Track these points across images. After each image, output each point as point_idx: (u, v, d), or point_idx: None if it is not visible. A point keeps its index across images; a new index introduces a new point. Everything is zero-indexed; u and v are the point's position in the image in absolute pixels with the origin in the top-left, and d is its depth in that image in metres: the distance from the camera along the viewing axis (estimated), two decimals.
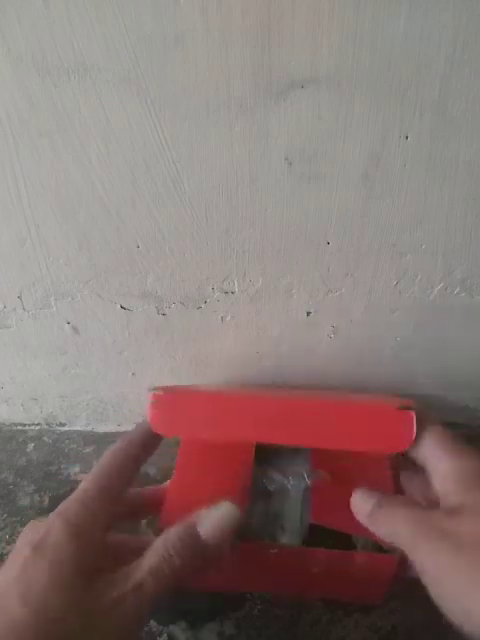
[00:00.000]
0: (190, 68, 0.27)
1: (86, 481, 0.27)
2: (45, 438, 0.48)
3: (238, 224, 0.33)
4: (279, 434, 0.32)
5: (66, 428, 0.49)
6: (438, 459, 0.28)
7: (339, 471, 0.31)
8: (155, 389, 0.32)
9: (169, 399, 0.32)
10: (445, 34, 0.25)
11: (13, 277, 0.37)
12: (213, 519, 0.25)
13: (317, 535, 0.31)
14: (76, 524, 0.24)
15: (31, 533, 0.24)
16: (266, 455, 0.35)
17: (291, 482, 0.33)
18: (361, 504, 0.27)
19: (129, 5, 0.25)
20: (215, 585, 0.33)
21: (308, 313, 0.38)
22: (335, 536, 0.30)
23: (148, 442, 0.31)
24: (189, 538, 0.24)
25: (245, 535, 0.30)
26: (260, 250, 0.34)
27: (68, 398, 0.46)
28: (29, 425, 0.49)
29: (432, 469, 0.28)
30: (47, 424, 0.49)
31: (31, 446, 0.48)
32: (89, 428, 0.48)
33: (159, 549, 0.24)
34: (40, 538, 0.24)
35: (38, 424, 0.49)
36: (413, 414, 0.30)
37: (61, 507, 0.26)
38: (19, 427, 0.49)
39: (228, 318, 0.39)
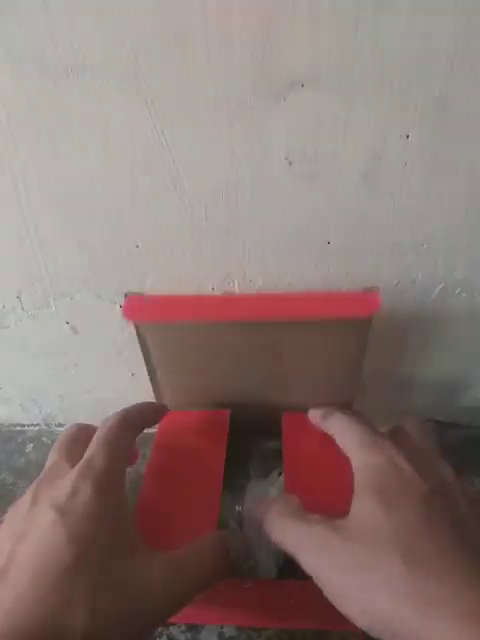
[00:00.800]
0: (190, 68, 0.27)
1: (96, 444, 0.29)
2: (44, 439, 0.48)
3: (238, 224, 0.33)
4: (251, 311, 0.33)
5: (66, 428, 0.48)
6: (350, 454, 0.28)
7: (308, 497, 0.31)
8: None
9: (142, 298, 0.35)
10: (446, 33, 0.25)
11: (12, 277, 0.37)
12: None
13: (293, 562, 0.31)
14: (102, 482, 0.26)
15: (50, 490, 0.26)
16: (236, 482, 0.36)
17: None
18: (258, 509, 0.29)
19: (129, 4, 0.25)
20: (190, 618, 0.32)
21: None
22: None
23: (146, 413, 0.34)
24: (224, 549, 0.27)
25: None
26: (260, 250, 0.34)
27: (67, 398, 0.46)
28: (28, 426, 0.49)
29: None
30: (46, 425, 0.49)
31: (30, 447, 0.47)
32: None
33: (216, 548, 0.27)
34: (67, 495, 0.25)
35: (37, 425, 0.49)
36: (378, 293, 0.33)
37: (78, 472, 0.27)
38: (18, 428, 0.49)
39: None
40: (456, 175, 0.30)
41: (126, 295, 0.35)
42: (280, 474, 0.37)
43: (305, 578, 0.31)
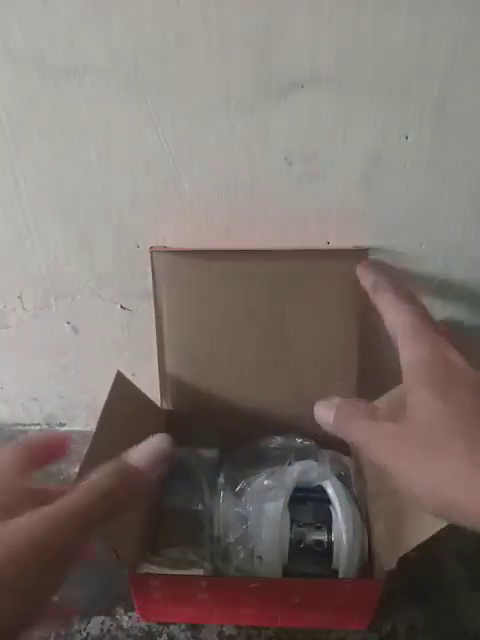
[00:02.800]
0: (190, 68, 0.27)
1: None
2: None
3: (238, 224, 0.33)
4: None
5: (66, 428, 0.48)
6: (399, 344, 0.27)
7: None
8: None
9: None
10: (445, 34, 0.25)
11: (13, 277, 0.37)
12: (143, 449, 0.26)
13: (298, 558, 0.31)
14: None
15: None
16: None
17: (267, 504, 0.33)
18: (324, 413, 0.28)
19: (129, 5, 0.25)
20: (193, 618, 0.33)
21: None
22: (316, 556, 0.31)
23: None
24: (119, 464, 0.25)
25: (220, 570, 0.31)
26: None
27: (68, 398, 0.46)
28: (29, 425, 0.49)
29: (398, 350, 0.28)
30: (47, 424, 0.49)
31: None
32: (89, 428, 0.48)
33: (91, 476, 0.24)
34: None
35: (38, 424, 0.49)
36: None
37: None
38: (19, 427, 0.49)
39: None
40: (455, 175, 0.30)
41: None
42: (291, 463, 0.35)
43: (308, 577, 0.31)
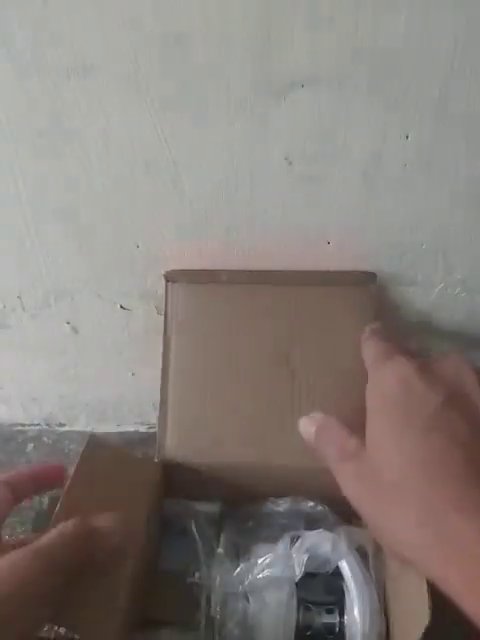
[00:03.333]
0: (190, 67, 0.27)
1: None
2: (45, 438, 0.48)
3: (238, 224, 0.33)
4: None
5: (66, 428, 0.48)
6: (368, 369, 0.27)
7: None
8: None
9: None
10: (445, 34, 0.25)
11: (13, 277, 0.37)
12: (104, 517, 0.25)
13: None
14: None
15: None
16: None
17: (270, 595, 0.28)
18: (306, 428, 0.27)
19: (129, 4, 0.25)
20: None
21: None
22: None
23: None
24: (82, 524, 0.24)
25: None
26: (260, 250, 0.34)
27: (67, 398, 0.46)
28: (29, 425, 0.49)
29: None
30: (47, 424, 0.49)
31: (31, 446, 0.48)
32: (89, 428, 0.48)
33: (51, 532, 0.24)
34: None
35: (38, 424, 0.49)
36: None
37: None
38: (19, 427, 0.49)
39: None
40: (455, 175, 0.30)
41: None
42: (298, 539, 0.30)
43: None
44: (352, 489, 0.23)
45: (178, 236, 0.34)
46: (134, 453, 0.33)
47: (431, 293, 0.36)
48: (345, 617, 0.28)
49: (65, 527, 0.24)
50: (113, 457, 0.31)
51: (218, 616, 0.29)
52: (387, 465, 0.22)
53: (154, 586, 0.32)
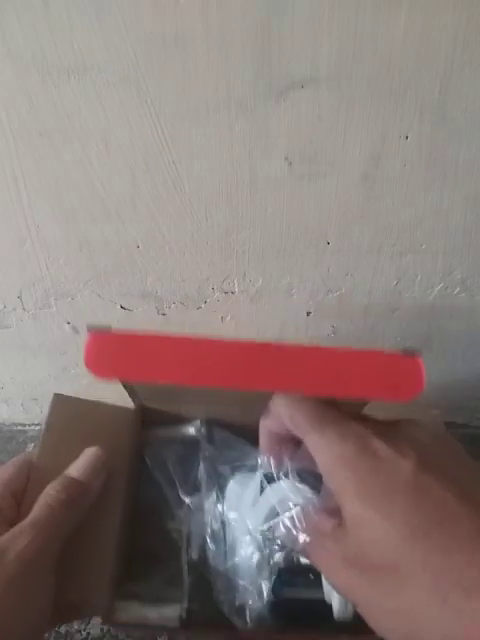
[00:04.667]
0: (190, 68, 0.27)
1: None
2: None
3: (238, 224, 0.33)
4: (254, 378, 0.21)
5: None
6: (309, 444, 0.22)
7: None
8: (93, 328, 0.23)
9: (111, 338, 0.23)
10: (445, 34, 0.25)
11: (13, 277, 0.37)
12: (81, 462, 0.27)
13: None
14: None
15: None
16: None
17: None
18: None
19: (129, 5, 0.25)
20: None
21: (308, 313, 0.38)
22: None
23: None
24: (64, 481, 0.25)
25: None
26: (260, 250, 0.34)
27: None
28: (29, 425, 0.49)
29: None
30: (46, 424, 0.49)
31: (31, 446, 0.48)
32: None
33: (40, 501, 0.24)
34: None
35: (38, 424, 0.49)
36: (420, 360, 0.23)
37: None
38: (19, 427, 0.49)
39: (228, 318, 0.39)
40: (455, 176, 0.30)
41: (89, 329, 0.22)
42: (262, 488, 0.27)
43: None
44: (342, 578, 0.20)
45: (178, 236, 0.34)
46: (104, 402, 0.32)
47: (431, 293, 0.36)
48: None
49: (49, 497, 0.24)
50: (84, 409, 0.31)
51: (196, 556, 0.29)
52: (377, 542, 0.19)
53: (136, 528, 0.31)
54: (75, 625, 0.35)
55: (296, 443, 0.24)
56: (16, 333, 0.40)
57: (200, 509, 0.29)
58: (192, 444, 0.33)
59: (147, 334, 0.22)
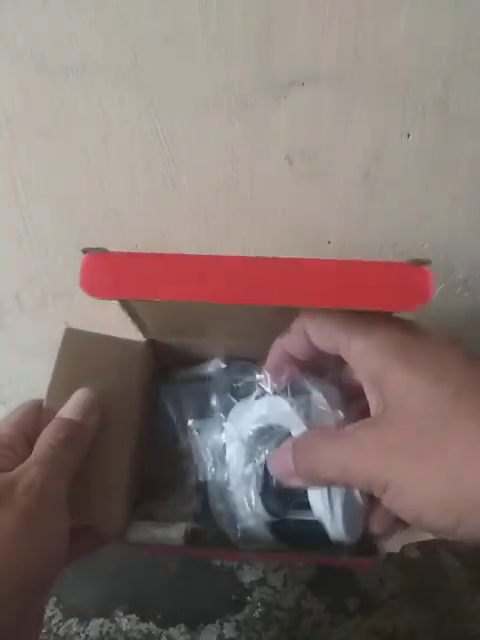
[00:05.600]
0: (189, 66, 0.27)
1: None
2: None
3: (238, 223, 0.33)
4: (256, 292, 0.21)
5: None
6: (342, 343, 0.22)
7: None
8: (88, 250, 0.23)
9: (107, 258, 0.22)
10: (447, 33, 0.25)
11: (11, 277, 0.36)
12: (71, 403, 0.28)
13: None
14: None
15: None
16: None
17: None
18: (279, 460, 0.24)
19: (128, 3, 0.25)
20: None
21: None
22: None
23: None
24: (59, 422, 0.26)
25: None
26: (260, 250, 0.34)
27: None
28: None
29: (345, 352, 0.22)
30: None
31: None
32: None
33: (39, 443, 0.25)
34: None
35: None
36: (428, 269, 0.21)
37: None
38: None
39: None
40: (457, 175, 0.30)
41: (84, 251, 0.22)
42: (257, 398, 0.27)
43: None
44: (378, 460, 0.19)
45: (178, 236, 0.33)
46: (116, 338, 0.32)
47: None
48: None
49: (49, 438, 0.25)
50: (96, 343, 0.31)
51: (202, 479, 0.29)
52: (425, 404, 0.18)
53: (149, 457, 0.32)
54: (74, 628, 0.34)
55: (303, 366, 0.25)
56: (14, 333, 0.40)
57: (209, 435, 0.29)
58: (208, 382, 0.32)
59: (145, 254, 0.21)
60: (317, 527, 0.25)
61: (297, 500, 0.26)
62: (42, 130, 0.29)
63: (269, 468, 0.25)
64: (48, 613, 0.35)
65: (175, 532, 0.28)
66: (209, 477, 0.29)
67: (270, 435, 0.26)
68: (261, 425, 0.26)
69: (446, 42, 0.26)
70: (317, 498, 0.24)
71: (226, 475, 0.28)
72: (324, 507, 0.24)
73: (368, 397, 0.22)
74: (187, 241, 0.34)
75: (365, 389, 0.22)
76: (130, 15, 0.25)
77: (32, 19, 0.26)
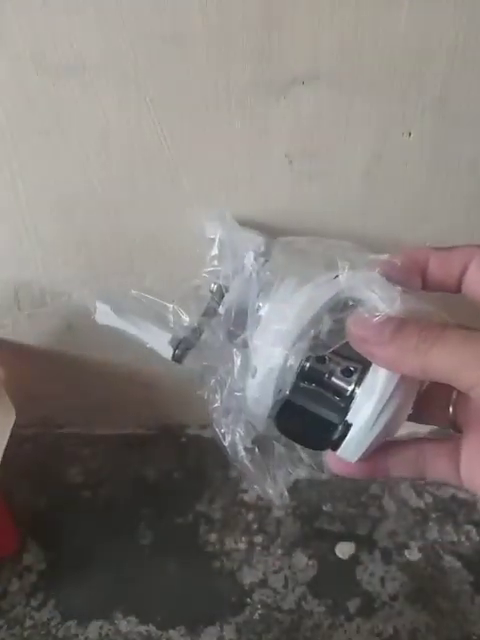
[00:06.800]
0: (189, 66, 0.27)
1: None
2: (43, 439, 0.48)
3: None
4: None
5: (64, 430, 0.48)
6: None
7: None
8: None
9: None
10: (446, 32, 0.25)
11: (10, 276, 0.36)
12: None
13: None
14: None
15: None
16: None
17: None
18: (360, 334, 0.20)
19: (128, 3, 0.25)
20: None
21: None
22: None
23: None
24: None
25: None
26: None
27: (65, 398, 0.46)
28: (26, 426, 0.49)
29: None
30: (45, 425, 0.49)
31: (29, 447, 0.47)
32: (86, 430, 0.48)
33: None
34: None
35: (36, 424, 0.49)
36: None
37: None
38: (15, 428, 0.49)
39: None
40: (457, 174, 0.30)
41: None
42: (336, 276, 0.22)
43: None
44: (460, 355, 0.17)
45: (177, 236, 0.33)
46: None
47: (431, 293, 0.36)
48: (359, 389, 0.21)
49: None
50: None
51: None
52: None
53: None
54: (73, 630, 0.34)
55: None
56: (12, 333, 0.40)
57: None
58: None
59: None
60: (325, 427, 0.21)
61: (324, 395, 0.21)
62: (42, 130, 0.29)
63: (351, 325, 0.19)
64: (47, 615, 0.35)
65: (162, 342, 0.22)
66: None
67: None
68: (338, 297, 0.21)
69: (446, 40, 0.26)
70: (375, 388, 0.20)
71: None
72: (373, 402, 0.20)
73: None
74: (187, 241, 0.34)
75: None
76: (130, 15, 0.26)
77: (32, 19, 0.26)
